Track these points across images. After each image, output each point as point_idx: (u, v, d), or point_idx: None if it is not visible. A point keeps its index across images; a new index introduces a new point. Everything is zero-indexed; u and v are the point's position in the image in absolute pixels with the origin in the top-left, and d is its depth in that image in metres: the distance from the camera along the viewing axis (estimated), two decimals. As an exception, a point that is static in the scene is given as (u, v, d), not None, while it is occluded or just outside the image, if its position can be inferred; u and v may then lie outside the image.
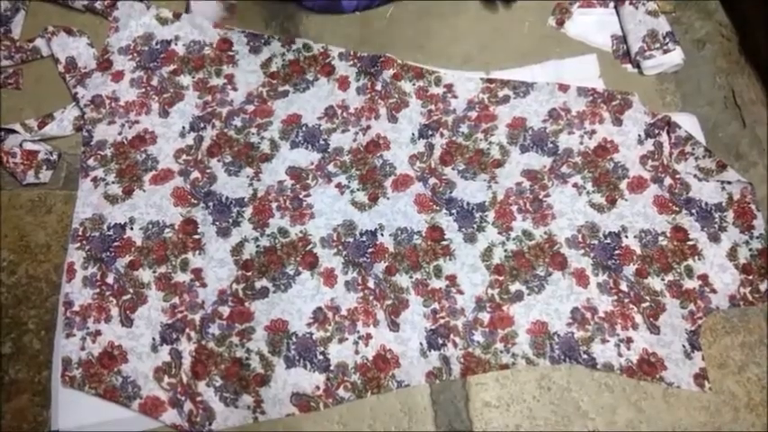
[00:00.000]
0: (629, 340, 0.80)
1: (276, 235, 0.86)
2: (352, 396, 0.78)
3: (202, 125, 0.93)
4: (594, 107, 0.94)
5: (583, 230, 0.86)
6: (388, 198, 0.88)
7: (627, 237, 0.86)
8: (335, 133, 0.93)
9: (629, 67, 1.00)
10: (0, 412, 0.77)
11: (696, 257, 0.84)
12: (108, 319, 0.80)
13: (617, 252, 0.85)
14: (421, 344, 0.80)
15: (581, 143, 0.92)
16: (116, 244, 0.85)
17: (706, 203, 0.87)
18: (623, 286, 0.83)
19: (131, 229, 0.86)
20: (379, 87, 0.96)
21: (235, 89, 0.96)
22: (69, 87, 0.96)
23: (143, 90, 0.96)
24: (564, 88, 0.95)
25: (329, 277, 0.83)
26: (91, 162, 0.90)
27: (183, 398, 0.77)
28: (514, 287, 0.83)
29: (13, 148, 0.90)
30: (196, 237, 0.86)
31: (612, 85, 0.97)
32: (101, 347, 0.79)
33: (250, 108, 0.95)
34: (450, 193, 0.89)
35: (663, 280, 0.83)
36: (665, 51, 0.97)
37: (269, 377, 0.78)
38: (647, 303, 0.82)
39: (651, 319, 0.81)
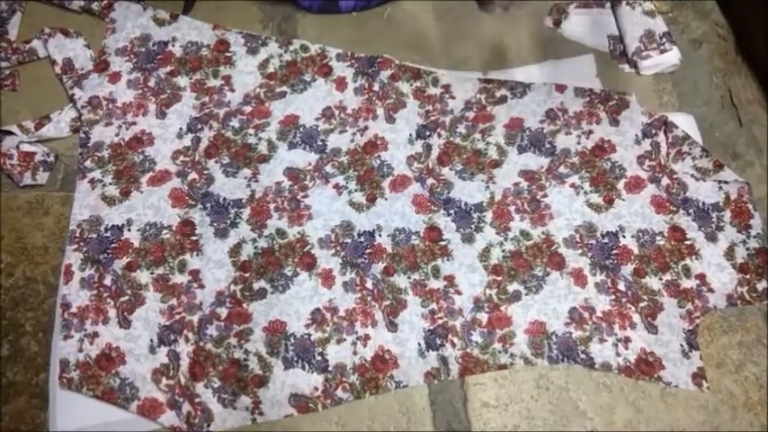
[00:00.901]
0: (626, 340, 0.80)
1: (274, 236, 0.86)
2: (350, 397, 0.77)
3: (200, 126, 0.93)
4: (591, 107, 0.94)
5: (580, 230, 0.86)
6: (385, 199, 0.88)
7: (624, 236, 0.86)
8: (333, 134, 0.93)
9: (626, 67, 1.00)
10: (-2, 415, 0.77)
11: (693, 257, 0.85)
12: (106, 321, 0.80)
13: (615, 252, 0.85)
14: (419, 344, 0.80)
15: (578, 143, 0.92)
16: (113, 245, 0.85)
17: (703, 203, 0.88)
18: (621, 286, 0.83)
19: (129, 230, 0.86)
20: (376, 88, 0.96)
21: (232, 90, 0.96)
22: (66, 89, 0.96)
23: (140, 91, 0.96)
24: (561, 88, 0.95)
25: (327, 278, 0.83)
26: (88, 164, 0.90)
27: (181, 399, 0.76)
28: (512, 287, 0.83)
29: (10, 150, 0.89)
30: (194, 238, 0.86)
31: (609, 85, 0.98)
32: (98, 349, 0.79)
33: (247, 109, 0.95)
34: (448, 193, 0.89)
35: (660, 279, 0.83)
36: (662, 51, 0.98)
37: (267, 378, 0.78)
38: (645, 303, 0.82)
39: (649, 319, 0.81)
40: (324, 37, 1.02)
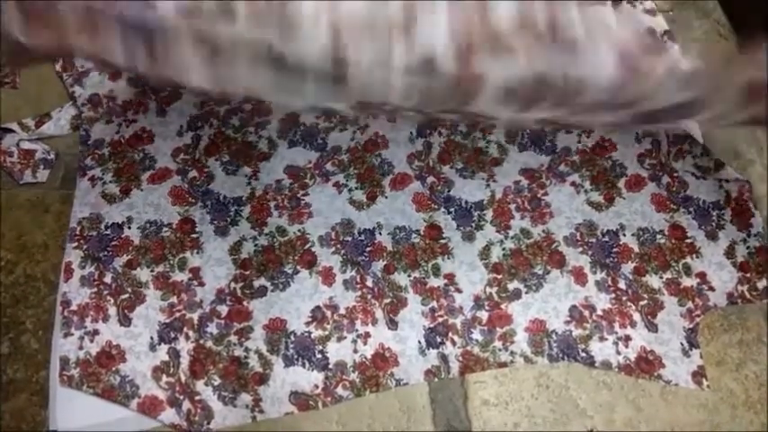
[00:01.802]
0: (627, 338, 0.80)
1: (274, 234, 0.86)
2: (350, 395, 0.77)
3: (200, 124, 0.93)
4: (592, 105, 0.94)
5: (581, 229, 0.86)
6: (386, 197, 0.88)
7: (625, 235, 0.86)
8: (333, 132, 0.93)
9: (626, 65, 1.00)
10: (-2, 412, 0.77)
11: (694, 255, 0.85)
12: (106, 319, 0.80)
13: (615, 250, 0.85)
14: (419, 342, 0.80)
15: (579, 142, 0.92)
16: (114, 243, 0.85)
17: (704, 201, 0.88)
18: (621, 284, 0.83)
19: (129, 228, 0.86)
20: (377, 86, 0.96)
21: (232, 88, 0.96)
22: (66, 86, 0.96)
23: (140, 89, 0.96)
24: (562, 87, 0.95)
25: (327, 276, 0.83)
26: (88, 161, 0.90)
27: (181, 397, 0.76)
28: (513, 285, 0.83)
29: (11, 148, 0.89)
30: (194, 236, 0.86)
31: (610, 83, 0.97)
32: (99, 347, 0.79)
33: (248, 107, 0.94)
34: (449, 191, 0.89)
35: (661, 278, 0.83)
36: (663, 50, 0.97)
37: (267, 376, 0.78)
38: (646, 301, 0.82)
39: (649, 317, 0.81)
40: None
